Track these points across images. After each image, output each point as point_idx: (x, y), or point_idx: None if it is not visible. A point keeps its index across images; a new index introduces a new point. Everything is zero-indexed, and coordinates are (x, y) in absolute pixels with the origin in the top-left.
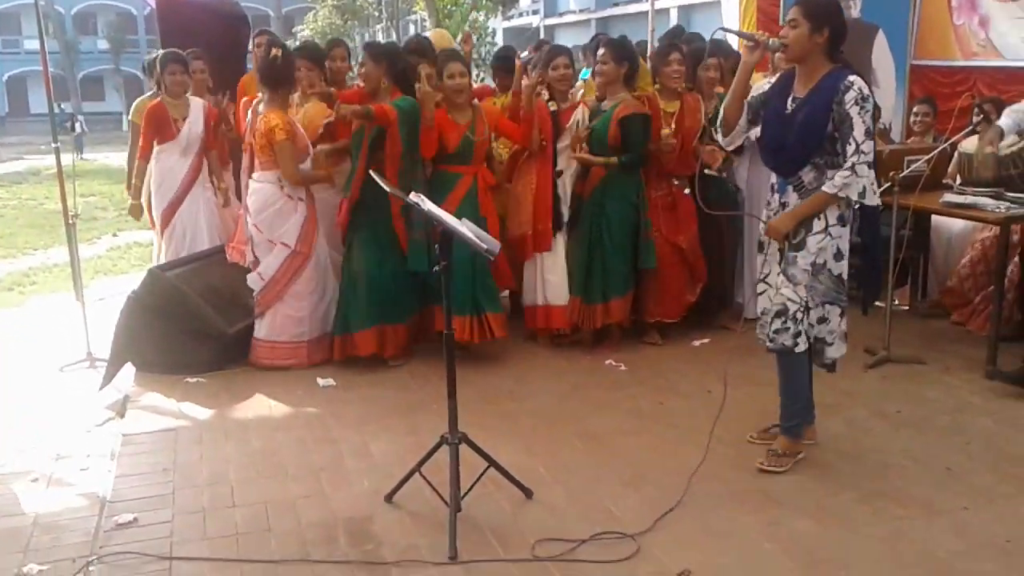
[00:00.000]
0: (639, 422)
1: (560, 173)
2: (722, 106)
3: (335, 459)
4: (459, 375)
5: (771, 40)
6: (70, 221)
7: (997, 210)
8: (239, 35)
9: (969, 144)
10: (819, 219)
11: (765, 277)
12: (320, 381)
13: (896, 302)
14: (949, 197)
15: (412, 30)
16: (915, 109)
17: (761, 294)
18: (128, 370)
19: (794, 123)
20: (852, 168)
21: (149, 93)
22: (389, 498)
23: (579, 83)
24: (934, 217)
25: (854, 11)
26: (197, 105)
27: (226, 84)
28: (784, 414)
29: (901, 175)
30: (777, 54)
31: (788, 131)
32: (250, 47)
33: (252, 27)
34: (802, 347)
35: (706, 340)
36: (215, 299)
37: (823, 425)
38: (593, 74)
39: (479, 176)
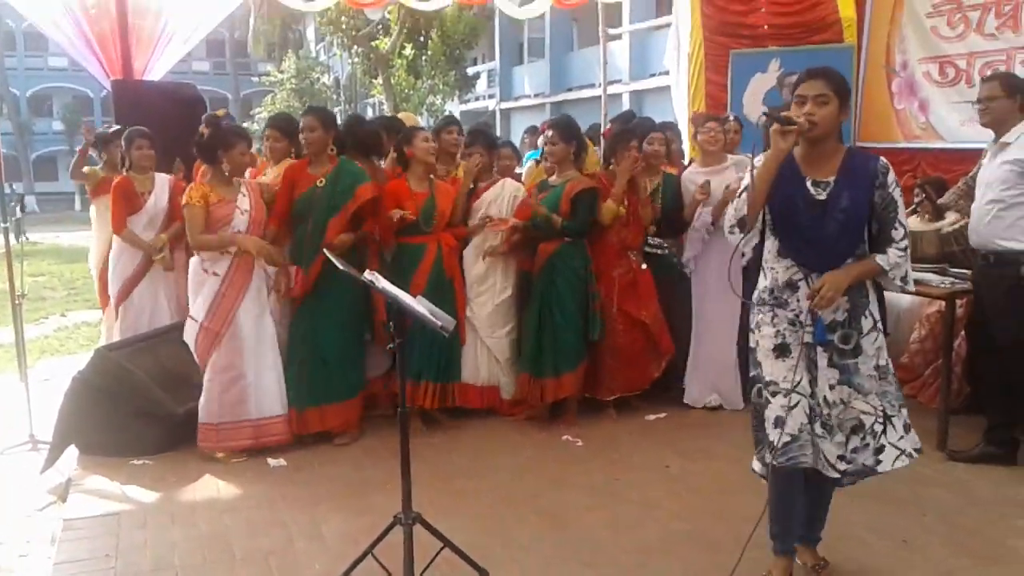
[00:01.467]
0: (595, 498)
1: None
2: (743, 201)
3: (285, 542)
4: (413, 451)
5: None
6: (16, 301)
7: (942, 285)
8: (195, 116)
9: (912, 222)
10: (867, 317)
11: (796, 387)
12: (271, 461)
13: None
14: None
15: (370, 113)
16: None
17: (794, 407)
18: (71, 453)
19: (834, 210)
20: (905, 250)
21: (99, 166)
22: None
23: (528, 163)
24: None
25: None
26: (162, 180)
27: (183, 162)
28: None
29: None
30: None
31: (827, 220)
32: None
33: (208, 109)
34: (886, 465)
35: (661, 415)
36: (164, 378)
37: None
38: (543, 155)
39: (442, 241)
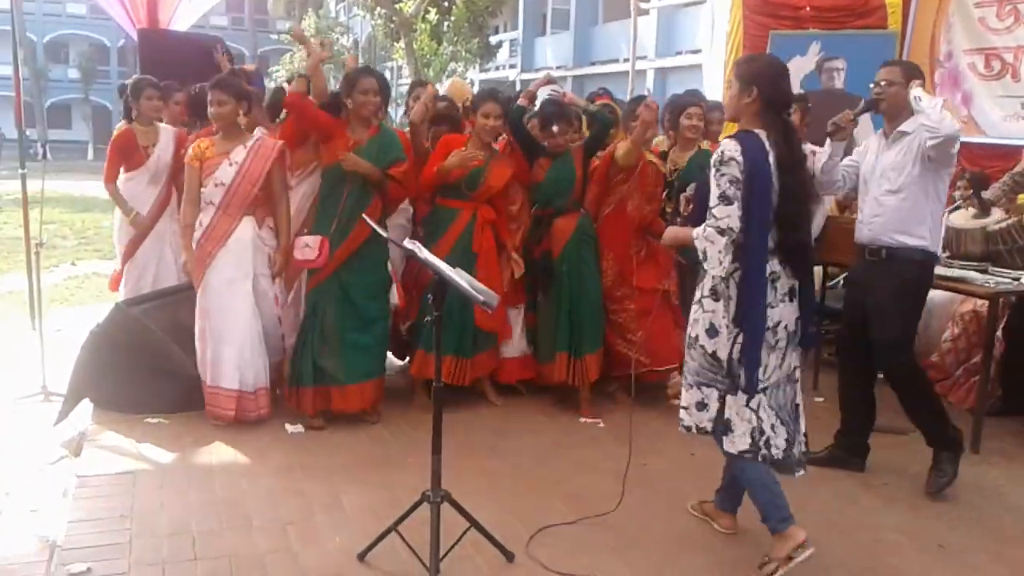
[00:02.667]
0: (621, 485)
1: None
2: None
3: (304, 512)
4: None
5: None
6: (34, 250)
7: (987, 284)
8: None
9: (957, 218)
10: (698, 288)
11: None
12: (289, 428)
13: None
14: (937, 269)
15: (389, 76)
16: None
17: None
18: (85, 407)
19: None
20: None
21: (121, 123)
22: (362, 557)
23: None
24: None
25: (838, 82)
26: (167, 132)
27: (204, 116)
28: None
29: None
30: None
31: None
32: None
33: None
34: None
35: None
36: (183, 337)
37: (811, 494)
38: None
39: (479, 212)
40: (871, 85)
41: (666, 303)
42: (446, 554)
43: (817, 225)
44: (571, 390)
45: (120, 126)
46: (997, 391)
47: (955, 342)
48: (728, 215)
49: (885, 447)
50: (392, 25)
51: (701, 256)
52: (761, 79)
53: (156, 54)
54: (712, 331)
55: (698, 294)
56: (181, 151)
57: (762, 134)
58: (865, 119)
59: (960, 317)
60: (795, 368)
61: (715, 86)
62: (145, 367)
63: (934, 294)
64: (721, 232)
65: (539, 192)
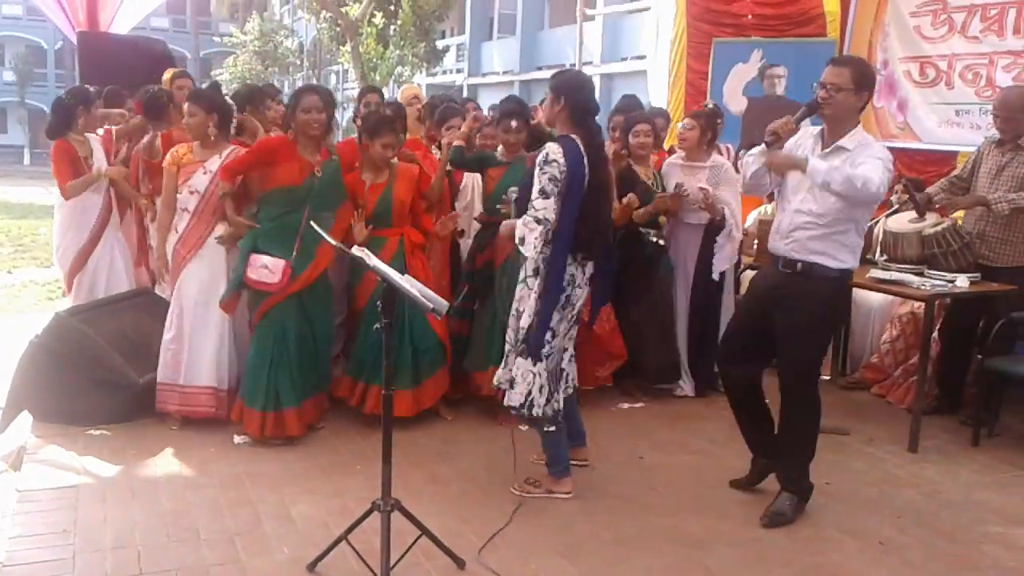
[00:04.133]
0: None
1: (463, 233)
2: None
3: (252, 523)
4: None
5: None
6: None
7: (923, 287)
8: (162, 73)
9: (894, 222)
10: (522, 270)
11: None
12: (236, 438)
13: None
14: (876, 273)
15: (334, 80)
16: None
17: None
18: (25, 419)
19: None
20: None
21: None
22: (312, 567)
23: None
24: (855, 291)
25: (779, 89)
26: (94, 140)
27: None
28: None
29: None
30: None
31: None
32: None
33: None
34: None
35: (637, 405)
36: (125, 346)
37: (755, 494)
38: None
39: (405, 236)
40: (814, 84)
41: (585, 335)
42: (397, 562)
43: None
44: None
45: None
46: (934, 391)
47: (893, 343)
48: (545, 207)
49: (827, 448)
50: (338, 29)
51: (519, 241)
52: (567, 91)
53: (96, 57)
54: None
55: (522, 274)
56: (111, 152)
57: (578, 139)
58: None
59: (898, 319)
60: (571, 340)
61: (659, 92)
62: (87, 378)
63: (873, 297)
64: (538, 221)
65: (488, 201)
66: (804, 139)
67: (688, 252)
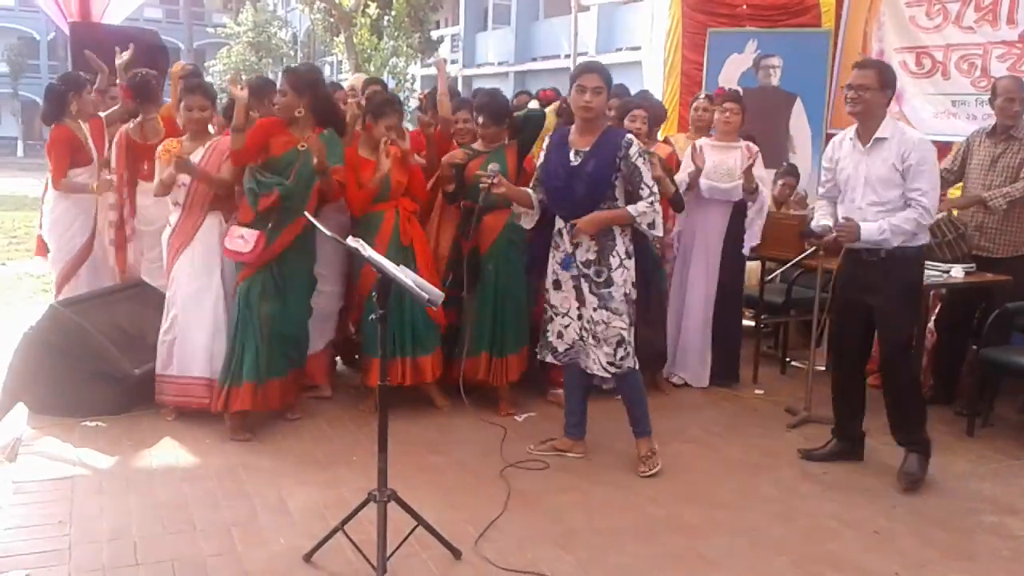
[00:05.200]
0: (567, 479)
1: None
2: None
3: (248, 514)
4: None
5: None
6: None
7: None
8: (155, 64)
9: None
10: (614, 256)
11: (568, 312)
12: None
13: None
14: None
15: (328, 71)
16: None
17: (567, 327)
18: (20, 411)
19: (582, 173)
20: (651, 204)
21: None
22: (308, 558)
23: None
24: None
25: (774, 80)
26: (85, 129)
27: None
28: (642, 422)
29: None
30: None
31: (575, 181)
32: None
33: (169, 57)
34: (636, 364)
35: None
36: (120, 338)
37: (752, 484)
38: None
39: (400, 208)
40: (845, 90)
41: None
42: (393, 553)
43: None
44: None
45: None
46: (929, 381)
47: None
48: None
49: (823, 437)
50: (331, 19)
51: (649, 225)
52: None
53: (88, 48)
54: (634, 284)
55: (616, 260)
56: (102, 143)
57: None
58: (800, 115)
59: None
60: None
61: (655, 83)
62: (82, 369)
63: None
64: (652, 204)
65: (470, 190)
66: (842, 143)
67: (713, 230)
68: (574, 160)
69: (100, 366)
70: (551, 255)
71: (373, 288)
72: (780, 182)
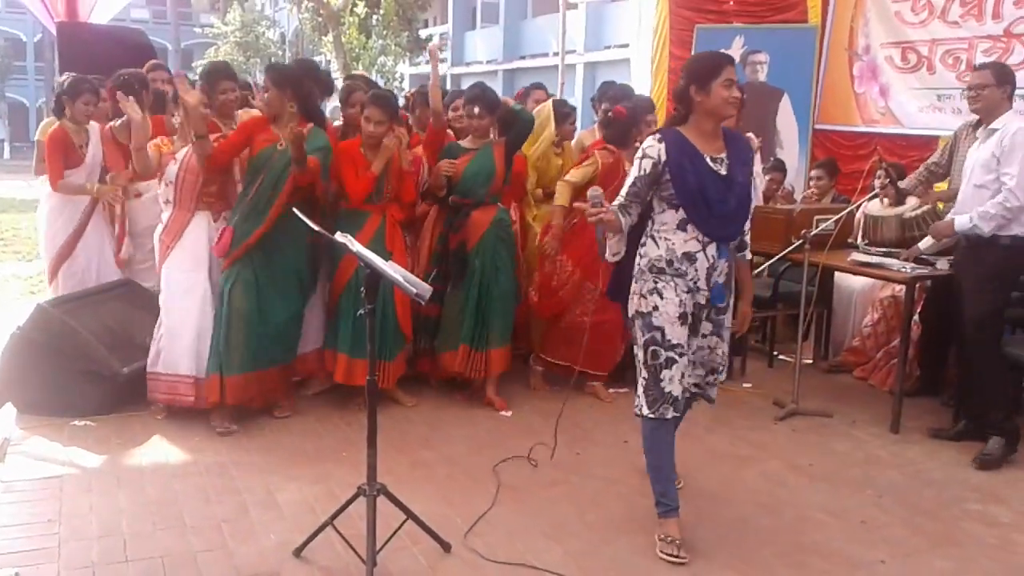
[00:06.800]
0: (557, 472)
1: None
2: (616, 243)
3: (238, 510)
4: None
5: None
6: None
7: (903, 270)
8: (143, 64)
9: (874, 206)
10: (732, 279)
11: (691, 350)
12: (218, 427)
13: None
14: (857, 256)
15: None
16: (812, 173)
17: (681, 357)
18: (9, 411)
19: (734, 184)
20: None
21: (50, 119)
22: (298, 552)
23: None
24: (836, 274)
25: (761, 75)
26: (95, 129)
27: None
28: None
29: (811, 234)
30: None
31: (730, 194)
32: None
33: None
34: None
35: (622, 390)
36: (109, 337)
37: (739, 476)
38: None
39: (388, 213)
40: (966, 90)
41: (622, 317)
42: (383, 547)
43: None
44: (466, 381)
45: (49, 122)
46: (915, 372)
47: (875, 327)
48: None
49: (810, 430)
50: (320, 19)
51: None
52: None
53: (76, 48)
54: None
55: (733, 288)
56: (107, 145)
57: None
58: (787, 111)
59: (879, 302)
60: None
61: (643, 80)
62: (70, 369)
63: (855, 281)
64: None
65: (458, 185)
66: (960, 134)
67: None
68: (716, 167)
69: (88, 365)
70: (667, 283)
71: (348, 284)
72: (767, 177)
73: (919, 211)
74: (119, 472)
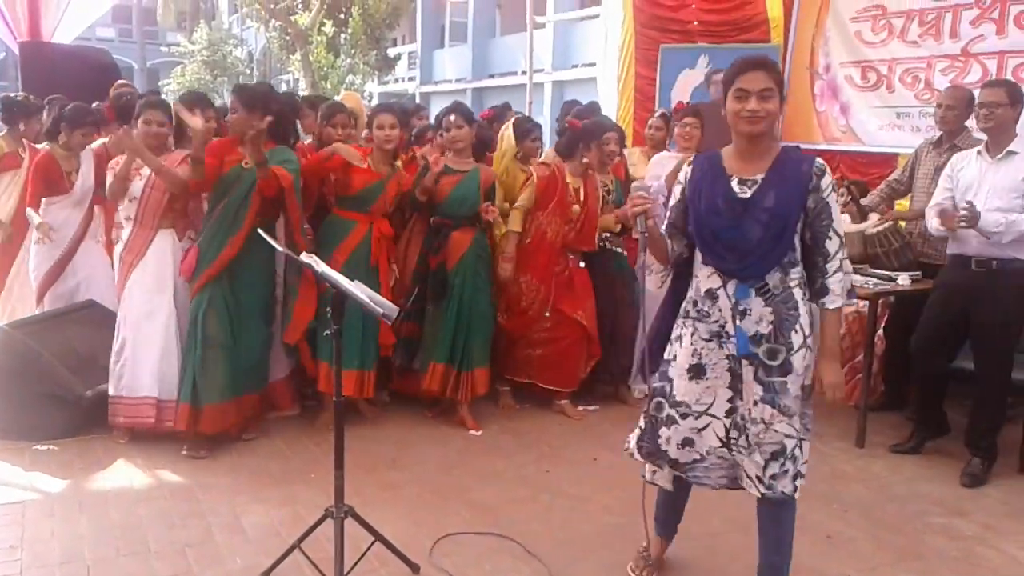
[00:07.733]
0: (526, 491)
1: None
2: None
3: (204, 534)
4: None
5: None
6: None
7: (866, 286)
8: (107, 83)
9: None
10: (796, 332)
11: (709, 408)
12: (185, 450)
13: None
14: None
15: (284, 89)
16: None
17: (703, 429)
18: None
19: (756, 210)
20: (841, 263)
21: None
22: None
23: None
24: None
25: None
26: (88, 156)
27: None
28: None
29: None
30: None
31: (748, 221)
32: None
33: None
34: (797, 492)
35: (592, 408)
36: (72, 359)
37: (708, 492)
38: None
39: (375, 225)
40: (978, 108)
41: (582, 332)
42: (351, 569)
43: None
44: (447, 401)
45: (42, 147)
46: (880, 387)
47: (840, 342)
48: None
49: None
50: (287, 38)
51: (847, 298)
52: None
53: (39, 68)
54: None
55: (799, 338)
56: (102, 169)
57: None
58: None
59: (844, 318)
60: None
61: (609, 98)
62: (33, 392)
63: None
64: (842, 262)
65: (441, 208)
66: (967, 159)
67: None
68: (740, 191)
69: (51, 388)
70: (687, 328)
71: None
72: None
73: (881, 227)
74: (82, 496)
